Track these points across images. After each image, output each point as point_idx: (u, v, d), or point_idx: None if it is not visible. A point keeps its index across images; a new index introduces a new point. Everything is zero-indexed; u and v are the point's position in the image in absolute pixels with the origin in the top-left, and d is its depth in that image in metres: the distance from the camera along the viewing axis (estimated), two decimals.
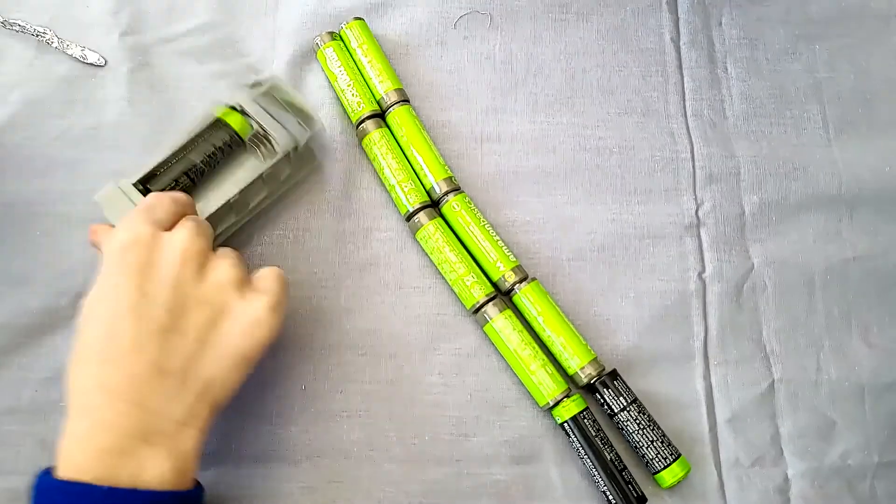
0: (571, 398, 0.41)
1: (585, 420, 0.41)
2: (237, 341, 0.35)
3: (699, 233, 0.46)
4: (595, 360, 0.42)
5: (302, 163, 0.44)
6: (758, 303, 0.45)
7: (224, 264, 0.36)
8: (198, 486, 0.34)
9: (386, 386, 0.43)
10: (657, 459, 0.40)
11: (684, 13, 0.51)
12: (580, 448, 0.40)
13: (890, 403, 0.43)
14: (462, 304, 0.44)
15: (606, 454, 0.40)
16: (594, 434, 0.40)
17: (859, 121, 0.49)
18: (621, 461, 0.40)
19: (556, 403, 0.41)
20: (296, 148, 0.42)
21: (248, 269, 0.37)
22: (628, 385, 0.42)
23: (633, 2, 0.51)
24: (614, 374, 0.42)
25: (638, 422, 0.41)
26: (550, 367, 0.42)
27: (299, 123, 0.43)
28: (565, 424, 0.41)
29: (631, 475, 0.40)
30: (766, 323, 0.45)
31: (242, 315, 0.35)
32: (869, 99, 0.50)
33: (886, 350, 0.44)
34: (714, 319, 0.45)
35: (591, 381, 0.42)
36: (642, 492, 0.40)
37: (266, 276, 0.37)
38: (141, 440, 0.32)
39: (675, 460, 0.41)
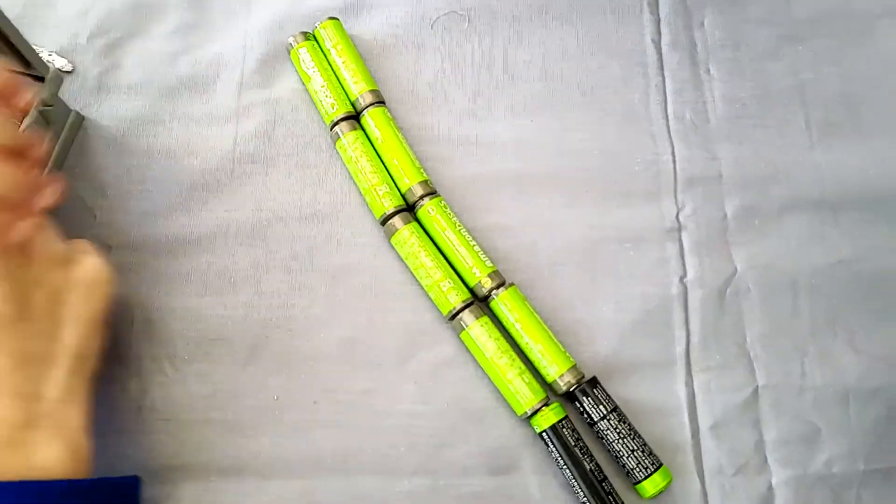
0: (550, 407, 0.40)
1: (564, 429, 0.39)
2: (86, 307, 0.35)
3: (680, 237, 0.45)
4: (574, 368, 0.41)
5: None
6: (741, 307, 0.44)
7: (43, 238, 0.35)
8: (131, 478, 0.34)
9: (361, 396, 0.41)
10: (638, 469, 0.39)
11: (666, 14, 0.50)
12: (559, 458, 0.39)
13: (875, 410, 0.42)
14: (439, 311, 0.43)
15: (586, 464, 0.39)
16: (573, 444, 0.39)
17: (843, 123, 0.48)
18: (601, 471, 0.39)
19: (535, 412, 0.40)
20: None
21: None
22: (608, 393, 0.40)
23: (614, 3, 0.50)
24: (594, 382, 0.41)
25: (618, 430, 0.40)
26: (528, 376, 0.41)
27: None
28: (544, 434, 0.39)
29: (611, 486, 0.39)
30: (750, 328, 0.44)
31: (81, 281, 0.35)
32: (853, 101, 0.49)
33: (872, 355, 0.43)
34: (696, 324, 0.43)
35: (571, 389, 0.41)
36: (623, 502, 0.39)
37: (76, 240, 0.37)
38: (25, 427, 0.32)
39: (656, 470, 0.39)
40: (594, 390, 0.40)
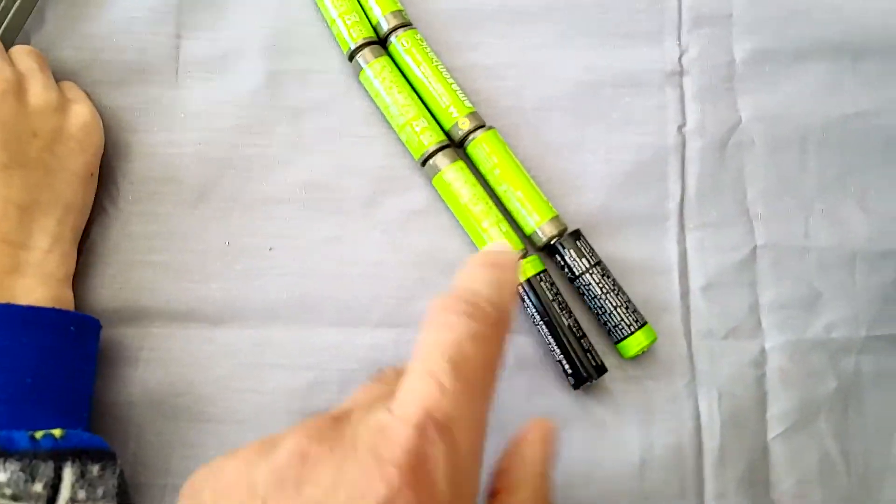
0: (527, 259, 0.35)
1: (542, 283, 0.35)
2: (78, 158, 0.34)
3: (682, 82, 0.39)
4: (556, 219, 0.36)
5: None
6: (743, 160, 0.39)
7: (38, 85, 0.34)
8: (89, 317, 0.33)
9: (321, 244, 0.37)
10: (620, 327, 0.35)
11: None
12: (535, 314, 0.35)
13: (883, 273, 0.38)
14: (411, 155, 0.38)
15: (564, 320, 0.34)
16: (551, 299, 0.35)
17: None
18: (580, 328, 0.35)
19: None
20: None
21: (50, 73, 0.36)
22: (592, 247, 0.36)
23: None
24: (577, 234, 0.36)
25: (601, 286, 0.35)
26: (505, 225, 0.36)
27: None
28: (519, 288, 0.35)
29: (590, 343, 0.35)
30: (752, 183, 0.39)
31: (73, 130, 0.34)
32: None
33: (883, 216, 0.38)
34: (693, 178, 0.38)
35: (552, 242, 0.36)
36: (602, 361, 0.35)
37: (66, 83, 0.36)
38: (12, 273, 0.31)
39: (639, 328, 0.35)
40: (577, 242, 0.36)
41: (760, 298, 0.37)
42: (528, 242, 0.37)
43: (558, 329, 0.34)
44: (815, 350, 0.37)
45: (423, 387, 0.22)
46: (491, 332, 0.23)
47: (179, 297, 0.36)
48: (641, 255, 0.37)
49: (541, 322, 0.35)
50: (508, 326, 0.24)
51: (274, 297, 0.36)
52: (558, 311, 0.35)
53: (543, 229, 0.36)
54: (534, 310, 0.35)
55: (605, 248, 0.37)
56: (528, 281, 0.35)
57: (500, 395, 0.24)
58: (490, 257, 0.26)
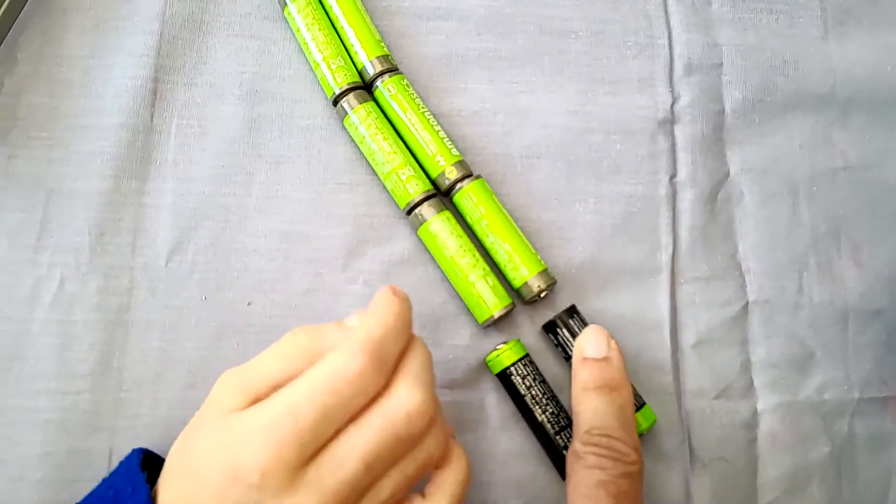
0: (506, 346, 0.32)
1: (515, 377, 0.32)
2: None
3: (673, 130, 0.37)
4: (545, 272, 0.33)
5: None
6: (733, 213, 0.36)
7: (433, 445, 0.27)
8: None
9: (301, 297, 0.33)
10: None
11: None
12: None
13: (876, 332, 0.35)
14: (396, 203, 0.34)
15: (538, 415, 0.31)
16: (524, 393, 0.32)
17: (861, 12, 0.39)
18: (560, 419, 0.32)
19: (499, 319, 0.32)
20: None
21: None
22: (585, 321, 0.33)
23: None
24: (572, 311, 0.33)
25: None
26: (492, 279, 0.33)
27: None
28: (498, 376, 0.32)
29: (569, 436, 0.31)
30: (743, 237, 0.36)
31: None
32: None
33: (877, 272, 0.36)
34: (685, 230, 0.35)
35: (540, 296, 0.33)
36: None
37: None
38: None
39: (638, 409, 0.32)
40: (570, 320, 0.33)
41: (752, 356, 0.34)
42: (517, 296, 0.34)
43: (535, 423, 0.32)
44: (808, 412, 0.34)
45: None
46: (633, 468, 0.28)
47: (150, 357, 0.32)
48: (632, 310, 0.34)
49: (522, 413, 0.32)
50: (641, 455, 0.28)
51: (252, 356, 0.32)
52: (532, 404, 0.32)
53: (532, 283, 0.33)
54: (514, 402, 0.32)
55: (595, 302, 0.34)
56: (500, 375, 0.32)
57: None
58: (603, 376, 0.29)
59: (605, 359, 0.29)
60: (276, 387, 0.25)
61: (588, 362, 0.29)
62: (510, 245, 0.33)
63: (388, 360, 0.25)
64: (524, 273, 0.33)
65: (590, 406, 0.28)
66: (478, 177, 0.34)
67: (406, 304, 0.27)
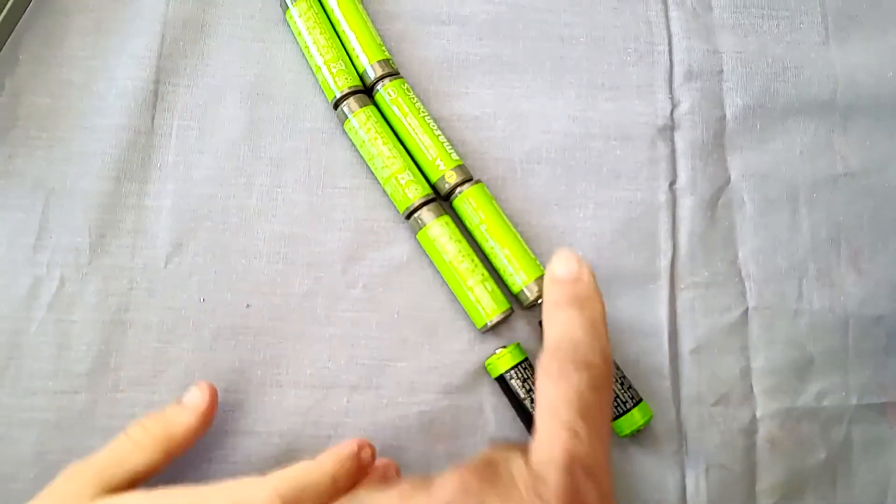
0: (505, 350, 0.32)
1: (514, 381, 0.32)
2: None
3: (673, 136, 0.36)
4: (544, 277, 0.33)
5: None
6: (734, 219, 0.36)
7: None
8: None
9: (300, 300, 0.33)
10: (615, 404, 0.31)
11: None
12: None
13: (876, 339, 0.35)
14: (396, 208, 0.34)
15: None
16: (522, 397, 0.31)
17: (863, 16, 0.39)
18: None
19: (495, 324, 0.32)
20: None
21: None
22: None
23: None
24: None
25: None
26: (491, 284, 0.33)
27: None
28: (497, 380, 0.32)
29: None
30: (743, 243, 0.36)
31: None
32: None
33: (877, 278, 0.35)
34: (684, 236, 0.35)
35: (539, 301, 0.33)
36: None
37: None
38: None
39: (635, 405, 0.32)
40: None
41: (752, 363, 0.34)
42: (515, 301, 0.33)
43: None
44: (806, 419, 0.34)
45: (561, 435, 0.24)
46: (603, 377, 0.25)
47: (146, 358, 0.32)
48: (631, 316, 0.34)
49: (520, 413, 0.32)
50: (611, 365, 0.26)
51: (248, 359, 0.32)
52: (531, 408, 0.31)
53: (531, 288, 0.33)
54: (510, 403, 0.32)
55: None
56: (499, 379, 0.32)
57: None
58: (573, 292, 0.27)
59: (576, 277, 0.28)
60: (135, 478, 0.26)
61: (558, 281, 0.28)
62: (509, 250, 0.33)
63: None
64: (523, 278, 0.33)
65: (559, 321, 0.27)
66: (477, 181, 0.34)
67: (355, 470, 0.27)
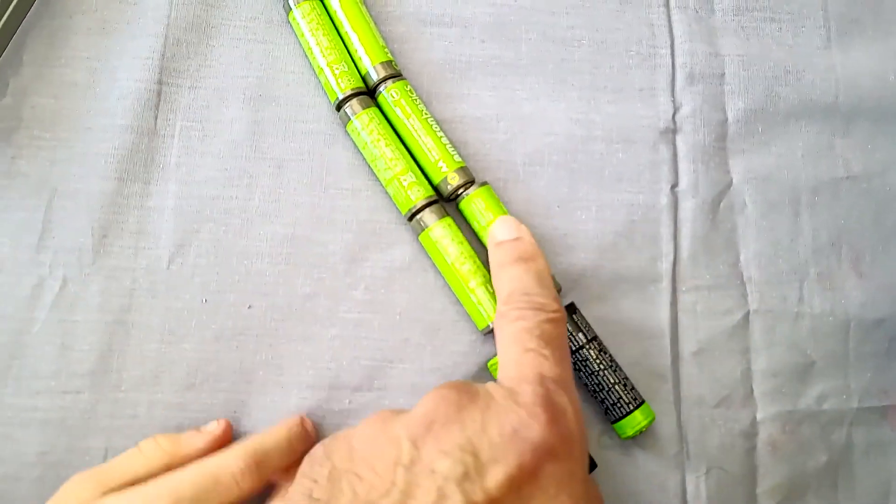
0: None
1: None
2: None
3: (675, 140, 0.36)
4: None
5: None
6: (736, 222, 0.36)
7: None
8: None
9: (301, 301, 0.33)
10: (619, 405, 0.31)
11: None
12: None
13: (877, 342, 0.35)
14: (398, 209, 0.34)
15: None
16: None
17: (865, 20, 0.39)
18: None
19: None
20: None
21: None
22: (587, 320, 0.32)
23: None
24: (573, 308, 0.33)
25: (598, 361, 0.32)
26: (493, 286, 0.32)
27: None
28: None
29: None
30: (745, 246, 0.35)
31: None
32: None
33: (878, 282, 0.35)
34: (686, 239, 0.35)
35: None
36: (590, 456, 0.31)
37: None
38: None
39: (637, 407, 0.32)
40: (573, 316, 0.32)
41: (753, 366, 0.34)
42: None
43: None
44: (807, 422, 0.34)
45: (528, 356, 0.25)
46: (558, 317, 0.27)
47: (148, 359, 0.32)
48: (632, 318, 0.34)
49: None
50: (564, 311, 0.28)
51: (250, 359, 0.32)
52: None
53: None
54: None
55: (595, 310, 0.34)
56: None
57: None
58: (516, 251, 0.29)
59: (517, 238, 0.30)
60: (134, 482, 0.26)
61: (501, 244, 0.30)
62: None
63: (267, 470, 0.27)
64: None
65: (507, 277, 0.29)
66: (484, 183, 0.34)
67: (304, 435, 0.30)
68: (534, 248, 0.30)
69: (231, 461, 0.27)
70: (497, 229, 0.31)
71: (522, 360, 0.25)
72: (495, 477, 0.22)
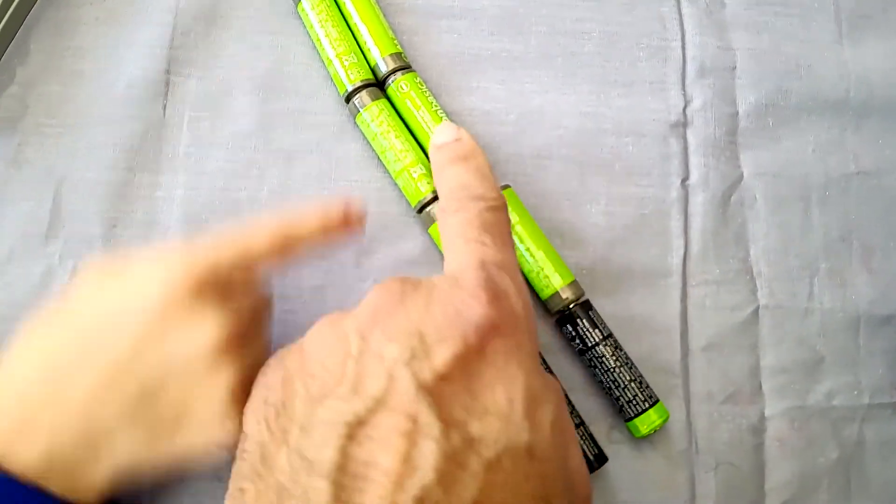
0: None
1: None
2: None
3: (685, 133, 0.36)
4: (574, 283, 0.32)
5: None
6: (746, 217, 0.35)
7: None
8: None
9: (310, 293, 0.33)
10: (634, 403, 0.31)
11: None
12: None
13: (887, 338, 0.34)
14: (407, 201, 0.34)
15: None
16: None
17: (876, 15, 0.39)
18: (578, 416, 0.31)
19: None
20: None
21: None
22: (602, 318, 0.32)
23: None
24: (588, 305, 0.32)
25: (614, 358, 0.31)
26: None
27: None
28: None
29: (588, 431, 0.31)
30: (755, 241, 0.35)
31: None
32: None
33: (888, 278, 0.35)
34: (696, 233, 0.35)
35: (570, 307, 0.32)
36: (601, 449, 0.31)
37: None
38: None
39: (651, 406, 0.31)
40: (589, 312, 0.32)
41: (762, 361, 0.34)
42: (542, 307, 0.33)
43: None
44: (816, 418, 0.33)
45: (469, 246, 0.25)
46: (499, 205, 0.27)
47: None
48: (642, 313, 0.34)
49: None
50: (505, 201, 0.27)
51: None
52: None
53: (563, 293, 0.32)
54: None
55: (605, 304, 0.33)
56: None
57: None
58: (455, 152, 0.28)
59: (456, 139, 0.29)
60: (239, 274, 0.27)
61: (440, 146, 0.29)
62: (543, 254, 0.32)
63: (293, 256, 0.28)
64: (558, 281, 0.32)
65: (448, 175, 0.28)
66: (506, 186, 0.34)
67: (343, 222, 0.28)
68: (473, 147, 0.29)
69: (259, 242, 0.27)
70: (436, 135, 0.30)
71: (464, 251, 0.25)
72: (442, 355, 0.22)
